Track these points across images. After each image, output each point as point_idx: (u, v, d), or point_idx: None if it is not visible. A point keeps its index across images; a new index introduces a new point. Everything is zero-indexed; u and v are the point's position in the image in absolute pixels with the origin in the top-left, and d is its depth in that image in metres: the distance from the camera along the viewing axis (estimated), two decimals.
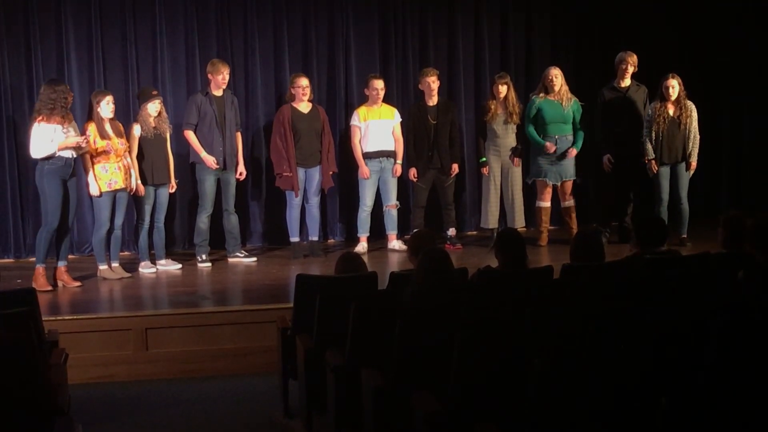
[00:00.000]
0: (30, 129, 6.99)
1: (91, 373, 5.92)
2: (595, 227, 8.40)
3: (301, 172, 8.14)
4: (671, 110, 8.00)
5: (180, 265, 7.96)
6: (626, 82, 8.31)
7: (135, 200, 7.70)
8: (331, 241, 9.21)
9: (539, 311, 3.86)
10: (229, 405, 5.52)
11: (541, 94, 8.28)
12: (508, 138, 8.36)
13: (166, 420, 5.29)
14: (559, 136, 8.19)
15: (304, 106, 8.20)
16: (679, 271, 4.90)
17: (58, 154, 6.90)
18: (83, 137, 7.01)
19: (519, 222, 8.48)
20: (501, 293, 4.57)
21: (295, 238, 8.33)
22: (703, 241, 7.41)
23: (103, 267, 7.44)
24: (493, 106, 8.34)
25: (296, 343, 4.80)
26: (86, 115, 7.46)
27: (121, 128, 7.46)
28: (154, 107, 7.61)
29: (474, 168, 9.16)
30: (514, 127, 8.35)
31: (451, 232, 8.56)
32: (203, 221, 8.04)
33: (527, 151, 8.49)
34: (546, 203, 8.46)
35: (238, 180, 8.16)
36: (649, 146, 8.00)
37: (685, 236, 8.13)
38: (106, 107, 7.27)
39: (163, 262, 7.90)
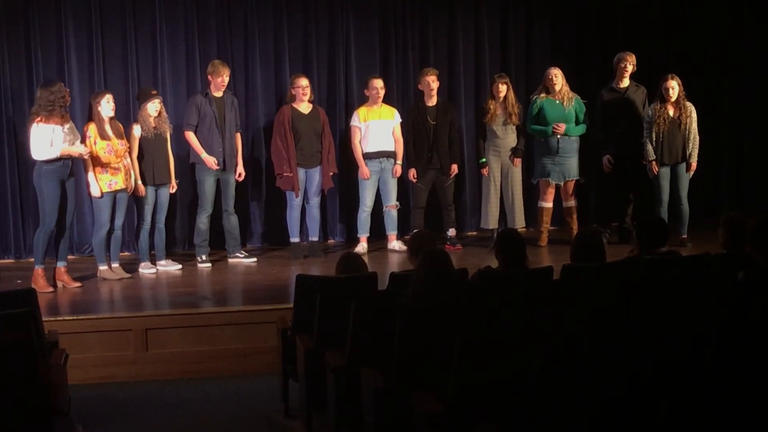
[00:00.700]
0: (29, 130, 6.98)
1: (91, 374, 5.92)
2: (595, 228, 8.39)
3: (301, 172, 8.15)
4: (671, 111, 7.99)
5: (180, 266, 7.95)
6: (625, 82, 8.31)
7: (135, 201, 7.70)
8: (331, 241, 9.21)
9: (539, 311, 3.86)
10: (229, 405, 5.52)
11: (542, 94, 8.28)
12: (508, 138, 8.36)
13: (167, 420, 5.29)
14: (561, 136, 8.19)
15: (304, 107, 8.20)
16: (680, 272, 4.90)
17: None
18: (85, 149, 7.01)
19: (519, 222, 8.48)
20: (501, 294, 4.57)
21: (295, 239, 8.33)
22: (704, 241, 7.40)
23: (103, 267, 7.44)
24: (492, 107, 8.34)
25: (296, 343, 4.80)
26: (86, 116, 7.46)
27: (122, 129, 7.45)
28: (153, 107, 7.61)
29: (474, 168, 9.16)
30: (514, 127, 8.36)
31: (451, 232, 8.56)
32: (203, 222, 8.04)
33: (531, 151, 8.49)
34: (548, 204, 8.46)
35: (237, 181, 8.16)
36: (650, 147, 7.99)
37: (686, 237, 8.12)
38: (106, 105, 7.27)
39: (163, 262, 7.90)
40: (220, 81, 7.93)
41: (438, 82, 8.42)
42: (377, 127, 8.35)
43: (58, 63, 8.54)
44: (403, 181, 8.64)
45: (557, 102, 8.22)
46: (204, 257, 8.06)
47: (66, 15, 8.52)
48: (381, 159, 8.38)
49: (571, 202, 8.42)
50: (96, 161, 7.20)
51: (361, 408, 3.91)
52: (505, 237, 5.18)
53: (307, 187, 8.24)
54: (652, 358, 3.26)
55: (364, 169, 8.35)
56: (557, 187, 8.39)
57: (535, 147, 8.42)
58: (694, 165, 8.10)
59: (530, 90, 8.92)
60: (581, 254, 5.08)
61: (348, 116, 8.80)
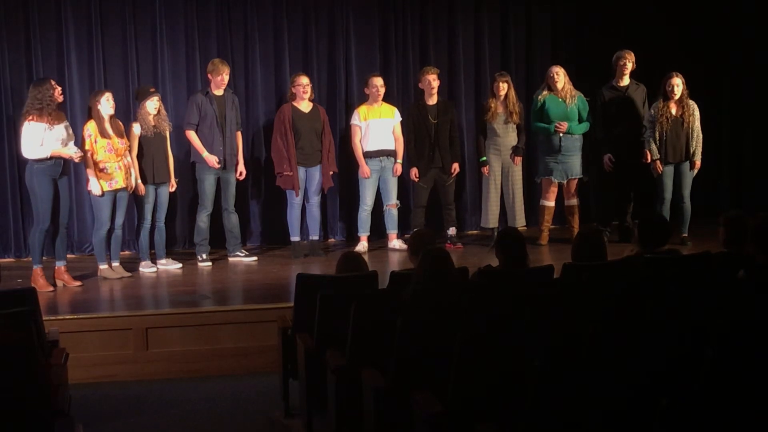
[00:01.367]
0: (20, 129, 6.98)
1: (91, 373, 5.92)
2: (596, 227, 8.39)
3: (301, 171, 8.14)
4: (674, 109, 7.98)
5: (180, 265, 7.96)
6: (625, 81, 8.31)
7: (136, 200, 7.70)
8: (331, 240, 9.21)
9: (539, 311, 3.86)
10: (229, 405, 5.52)
11: (545, 92, 8.28)
12: (509, 137, 8.36)
13: (167, 420, 5.29)
14: (563, 134, 8.18)
15: (304, 106, 8.20)
16: (680, 271, 4.89)
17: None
18: (77, 152, 6.98)
19: (519, 221, 8.48)
20: (501, 292, 4.56)
21: (295, 238, 8.33)
22: (704, 240, 7.40)
23: (103, 266, 7.44)
24: (493, 105, 8.33)
25: (297, 342, 4.80)
26: (86, 116, 7.45)
27: (122, 127, 7.45)
28: (152, 105, 7.60)
29: (474, 167, 9.16)
30: (515, 126, 8.35)
31: (452, 231, 8.56)
32: (203, 220, 8.04)
33: (534, 150, 8.48)
34: (550, 202, 8.45)
35: (238, 180, 8.16)
36: (654, 146, 7.97)
37: (686, 235, 8.12)
38: (106, 104, 7.27)
39: (163, 261, 7.90)
40: (220, 80, 7.93)
41: (438, 81, 8.42)
42: (377, 126, 8.35)
43: (58, 62, 8.54)
44: (403, 179, 8.64)
45: (560, 100, 8.22)
46: (204, 256, 8.05)
47: (66, 14, 8.52)
48: (381, 158, 8.37)
49: (574, 201, 8.42)
50: (96, 162, 7.20)
51: (362, 408, 3.91)
52: (506, 236, 5.18)
53: (307, 186, 8.24)
54: (652, 358, 3.26)
55: (365, 168, 8.34)
56: (560, 186, 8.39)
57: (537, 145, 8.41)
58: (698, 163, 8.08)
59: (530, 89, 8.91)
60: (582, 253, 5.07)
61: (348, 115, 8.79)
